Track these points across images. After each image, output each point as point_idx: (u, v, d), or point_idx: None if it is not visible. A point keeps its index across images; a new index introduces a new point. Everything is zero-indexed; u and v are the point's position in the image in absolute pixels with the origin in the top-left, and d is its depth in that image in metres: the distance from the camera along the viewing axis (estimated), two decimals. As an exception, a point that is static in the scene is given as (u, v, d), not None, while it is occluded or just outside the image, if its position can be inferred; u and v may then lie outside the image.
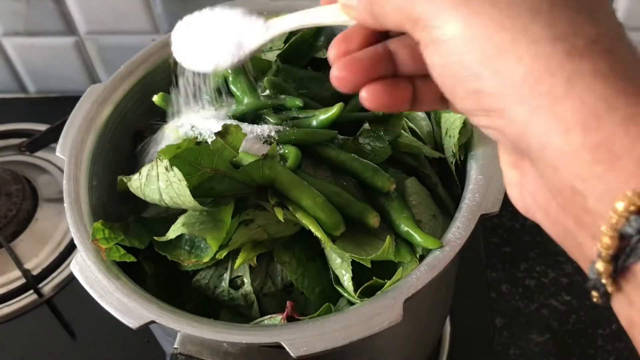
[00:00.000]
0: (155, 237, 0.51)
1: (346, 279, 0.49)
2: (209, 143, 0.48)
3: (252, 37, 0.44)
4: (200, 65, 0.48)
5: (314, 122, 0.55)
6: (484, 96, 0.30)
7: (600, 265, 0.27)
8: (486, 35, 0.29)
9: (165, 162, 0.45)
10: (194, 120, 0.55)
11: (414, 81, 0.38)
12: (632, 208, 0.26)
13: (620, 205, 0.26)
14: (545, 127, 0.28)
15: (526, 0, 0.29)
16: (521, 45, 0.29)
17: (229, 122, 0.54)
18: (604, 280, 0.27)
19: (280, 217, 0.49)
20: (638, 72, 0.28)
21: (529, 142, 0.29)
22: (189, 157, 0.47)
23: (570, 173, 0.28)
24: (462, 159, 0.54)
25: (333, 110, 0.54)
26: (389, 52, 0.37)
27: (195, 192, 0.48)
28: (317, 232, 0.49)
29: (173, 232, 0.49)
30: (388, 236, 0.50)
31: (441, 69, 0.32)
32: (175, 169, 0.45)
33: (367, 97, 0.36)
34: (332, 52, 0.37)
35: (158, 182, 0.46)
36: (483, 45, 0.29)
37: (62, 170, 0.56)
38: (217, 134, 0.47)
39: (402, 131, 0.57)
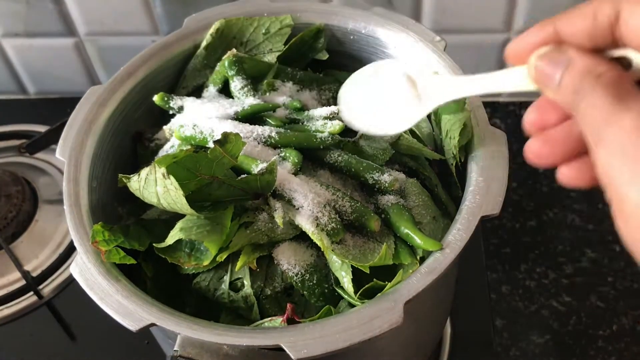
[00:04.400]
0: (154, 244, 0.51)
1: (346, 281, 0.49)
2: (209, 147, 0.48)
3: (431, 98, 0.44)
4: (372, 128, 0.49)
5: (316, 127, 0.55)
6: None
7: None
8: None
9: (163, 169, 0.45)
10: (196, 120, 0.55)
11: None
12: None
13: None
14: None
15: None
16: None
17: (230, 122, 0.54)
18: None
19: (280, 223, 0.49)
20: None
21: None
22: (187, 163, 0.47)
23: None
24: (462, 160, 0.53)
25: (337, 127, 0.54)
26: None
27: (193, 197, 0.47)
28: (317, 241, 0.49)
29: (171, 238, 0.49)
30: (384, 244, 0.50)
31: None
32: (172, 177, 0.45)
33: (572, 174, 0.36)
34: (530, 119, 0.37)
35: (156, 187, 0.46)
36: None
37: (62, 172, 0.56)
38: (216, 142, 0.46)
39: (403, 133, 0.57)
